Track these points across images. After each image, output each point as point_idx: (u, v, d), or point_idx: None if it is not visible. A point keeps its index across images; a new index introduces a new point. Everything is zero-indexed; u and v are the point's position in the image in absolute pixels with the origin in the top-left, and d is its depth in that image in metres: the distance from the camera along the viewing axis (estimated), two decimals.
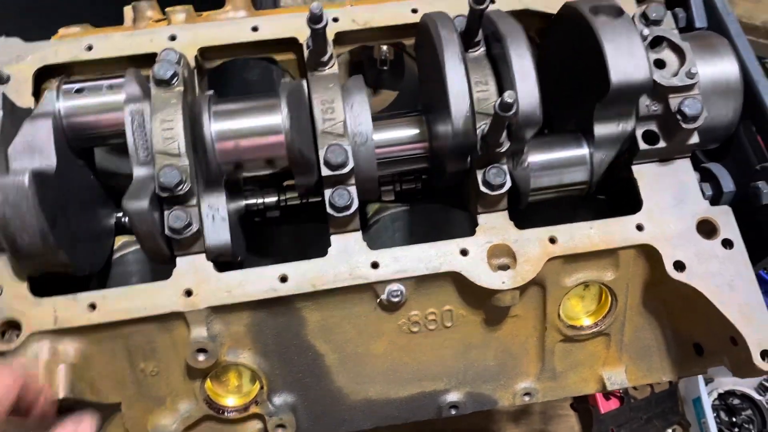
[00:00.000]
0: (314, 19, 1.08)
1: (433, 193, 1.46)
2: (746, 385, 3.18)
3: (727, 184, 1.35)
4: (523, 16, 1.38)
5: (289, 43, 1.35)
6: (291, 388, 1.28)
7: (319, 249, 1.32)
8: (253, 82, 1.59)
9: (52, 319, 1.13)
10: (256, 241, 1.47)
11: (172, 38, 1.33)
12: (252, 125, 1.18)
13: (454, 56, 1.11)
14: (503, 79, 1.15)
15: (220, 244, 1.18)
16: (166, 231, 1.12)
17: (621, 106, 1.20)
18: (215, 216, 1.17)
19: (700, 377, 2.94)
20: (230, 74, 1.50)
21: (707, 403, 2.95)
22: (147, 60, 1.32)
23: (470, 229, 1.36)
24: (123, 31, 1.40)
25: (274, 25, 1.35)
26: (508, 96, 1.02)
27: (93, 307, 1.14)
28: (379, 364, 1.29)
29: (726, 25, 1.36)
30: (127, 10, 1.50)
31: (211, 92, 1.16)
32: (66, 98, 1.22)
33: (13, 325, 1.14)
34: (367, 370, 1.29)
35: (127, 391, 1.23)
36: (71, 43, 1.32)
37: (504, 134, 1.13)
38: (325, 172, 1.13)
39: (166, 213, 1.12)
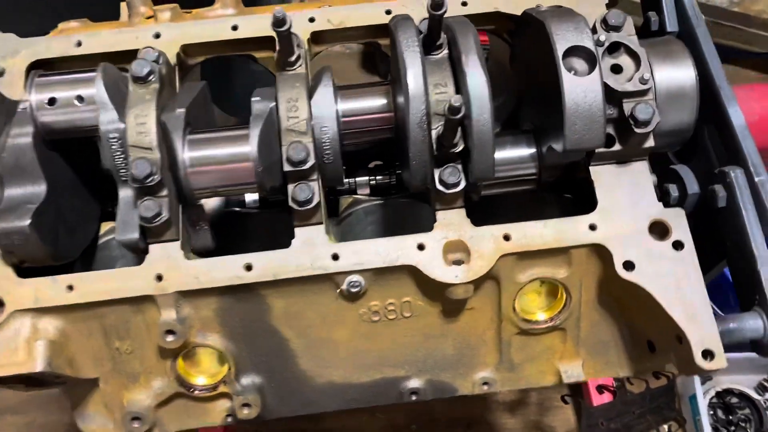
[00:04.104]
0: (277, 23, 1.14)
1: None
2: (745, 384, 3.19)
3: (692, 186, 1.38)
4: (494, 17, 1.42)
5: (269, 41, 1.41)
6: (257, 370, 1.36)
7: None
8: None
9: (33, 299, 1.22)
10: (236, 226, 1.55)
11: (157, 36, 1.40)
12: (223, 154, 1.25)
13: (415, 60, 1.16)
14: (460, 84, 1.20)
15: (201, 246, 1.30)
16: (138, 220, 1.20)
17: None
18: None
19: None
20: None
21: (702, 400, 2.97)
22: (132, 56, 1.40)
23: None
24: (114, 28, 1.49)
25: (253, 24, 1.41)
26: (455, 100, 1.07)
27: (71, 288, 1.23)
28: (342, 349, 1.35)
29: (694, 30, 1.39)
30: (123, 6, 1.58)
31: (183, 110, 1.22)
32: (38, 92, 1.29)
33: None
34: (330, 355, 1.36)
35: (104, 368, 1.32)
36: (62, 40, 1.40)
37: (459, 135, 1.19)
38: (287, 167, 1.19)
39: (138, 203, 1.20)
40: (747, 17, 4.06)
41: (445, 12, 1.17)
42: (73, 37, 1.40)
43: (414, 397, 1.40)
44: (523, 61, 1.40)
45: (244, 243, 1.52)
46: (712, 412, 3.10)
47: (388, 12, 1.41)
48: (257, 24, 1.41)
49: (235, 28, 1.41)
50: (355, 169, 1.58)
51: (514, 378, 1.41)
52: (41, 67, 1.41)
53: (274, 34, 1.37)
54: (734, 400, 3.19)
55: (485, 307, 1.32)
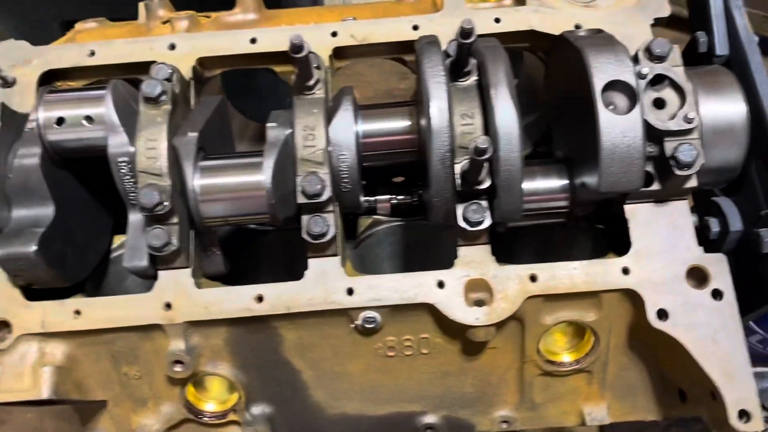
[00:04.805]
0: (294, 49, 1.07)
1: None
2: None
3: (735, 223, 1.29)
4: (529, 35, 1.33)
5: (287, 56, 1.33)
6: (269, 400, 1.32)
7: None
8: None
9: (40, 323, 1.19)
10: (252, 245, 1.50)
11: (172, 47, 1.34)
12: (235, 183, 1.20)
13: (440, 92, 1.08)
14: (488, 117, 1.11)
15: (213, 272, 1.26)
16: (147, 247, 1.15)
17: None
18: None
19: None
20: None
21: None
22: (146, 67, 1.34)
23: None
24: (130, 32, 1.44)
25: (272, 38, 1.34)
26: (481, 142, 0.99)
27: (78, 313, 1.19)
28: (356, 382, 1.30)
29: (747, 56, 1.28)
30: (141, 7, 1.52)
31: (195, 135, 1.16)
32: (46, 110, 1.24)
33: (6, 326, 1.21)
34: (344, 387, 1.31)
35: (113, 392, 1.29)
36: (75, 49, 1.35)
37: (485, 171, 1.11)
38: (302, 199, 1.13)
39: (147, 229, 1.15)
40: None
41: (474, 40, 1.09)
42: (86, 46, 1.35)
43: None
44: (557, 85, 1.31)
45: (259, 261, 1.48)
46: None
47: (416, 27, 1.33)
48: (276, 38, 1.33)
49: (253, 41, 1.34)
50: (375, 186, 1.52)
51: (536, 417, 1.35)
52: (54, 76, 1.36)
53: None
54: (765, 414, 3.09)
55: (507, 347, 1.25)
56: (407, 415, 1.35)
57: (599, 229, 1.38)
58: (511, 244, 1.39)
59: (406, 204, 1.47)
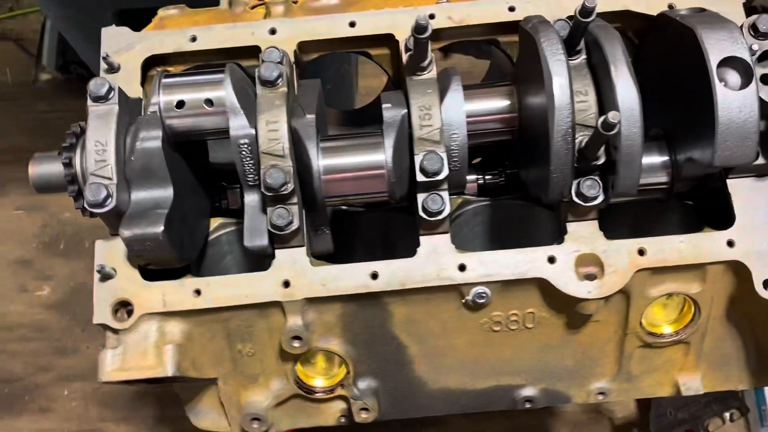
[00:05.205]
0: (419, 29, 1.10)
1: (516, 189, 1.48)
2: None
3: None
4: (623, 15, 1.36)
5: (385, 39, 1.37)
6: (375, 374, 1.35)
7: (406, 241, 1.36)
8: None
9: (161, 302, 1.22)
10: (343, 226, 1.53)
11: (273, 32, 1.36)
12: (358, 163, 1.24)
13: (561, 69, 1.11)
14: (603, 94, 1.14)
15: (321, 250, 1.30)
16: (269, 227, 1.18)
17: None
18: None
19: None
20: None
21: None
22: (247, 52, 1.37)
23: (552, 229, 1.38)
24: (216, 16, 1.46)
25: (371, 21, 1.36)
26: (612, 116, 1.02)
27: (198, 292, 1.22)
28: (459, 357, 1.34)
29: None
30: None
31: (313, 117, 1.19)
32: (166, 94, 1.25)
33: (125, 305, 1.24)
34: (447, 362, 1.35)
35: (224, 369, 1.32)
36: (176, 34, 1.37)
37: (603, 147, 1.14)
38: (420, 177, 1.16)
39: (269, 210, 1.18)
40: None
41: (593, 19, 1.12)
42: (187, 32, 1.37)
43: (528, 405, 1.39)
44: (654, 65, 1.33)
45: (353, 241, 1.51)
46: None
47: (512, 9, 1.36)
48: (376, 21, 1.36)
49: (352, 24, 1.36)
50: None
51: (631, 389, 1.39)
52: (155, 62, 1.39)
53: (396, 29, 1.34)
54: None
55: (610, 320, 1.29)
56: (507, 388, 1.39)
57: (688, 205, 1.42)
58: (603, 221, 1.42)
59: (493, 183, 1.50)
